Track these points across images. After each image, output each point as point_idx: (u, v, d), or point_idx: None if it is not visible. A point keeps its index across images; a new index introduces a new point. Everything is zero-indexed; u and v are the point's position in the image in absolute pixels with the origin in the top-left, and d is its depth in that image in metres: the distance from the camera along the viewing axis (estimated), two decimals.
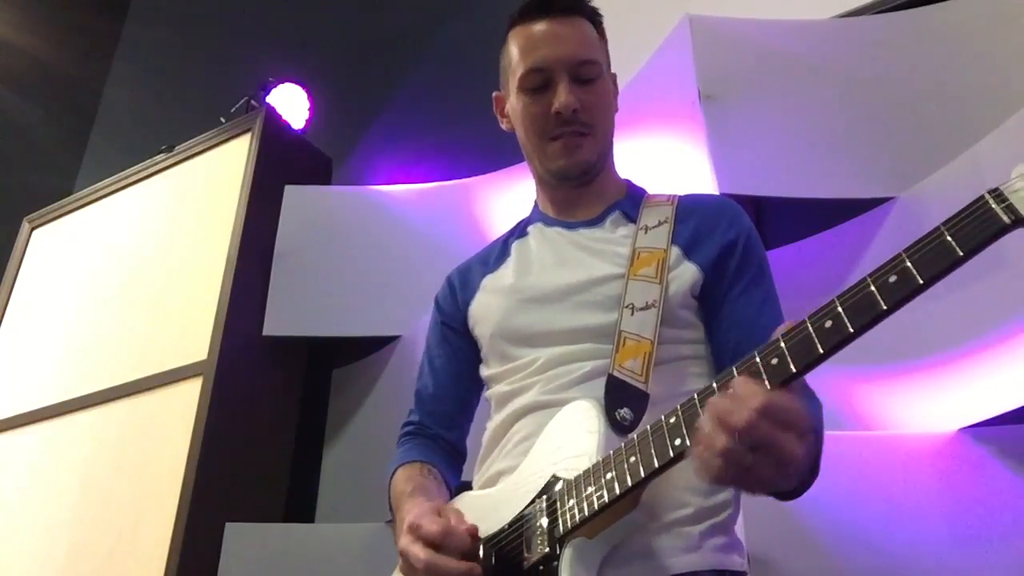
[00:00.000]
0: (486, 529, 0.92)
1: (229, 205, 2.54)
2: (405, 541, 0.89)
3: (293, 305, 2.37)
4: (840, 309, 0.68)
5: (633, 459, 0.81)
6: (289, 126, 2.82)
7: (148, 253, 2.71)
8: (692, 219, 1.07)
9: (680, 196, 1.12)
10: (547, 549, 0.84)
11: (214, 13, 3.93)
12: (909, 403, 1.54)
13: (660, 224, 1.06)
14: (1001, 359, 1.41)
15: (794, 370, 0.70)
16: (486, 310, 1.12)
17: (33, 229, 3.17)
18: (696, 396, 0.78)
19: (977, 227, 0.63)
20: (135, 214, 2.86)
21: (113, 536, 2.19)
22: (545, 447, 0.95)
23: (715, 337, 1.02)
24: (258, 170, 2.56)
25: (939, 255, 0.64)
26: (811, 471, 0.82)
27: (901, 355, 1.29)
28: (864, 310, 0.67)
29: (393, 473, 1.11)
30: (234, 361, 2.28)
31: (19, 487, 2.51)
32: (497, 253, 1.20)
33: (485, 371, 1.14)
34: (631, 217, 1.10)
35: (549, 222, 1.16)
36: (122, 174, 2.98)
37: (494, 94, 1.22)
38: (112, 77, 4.25)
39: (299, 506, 2.33)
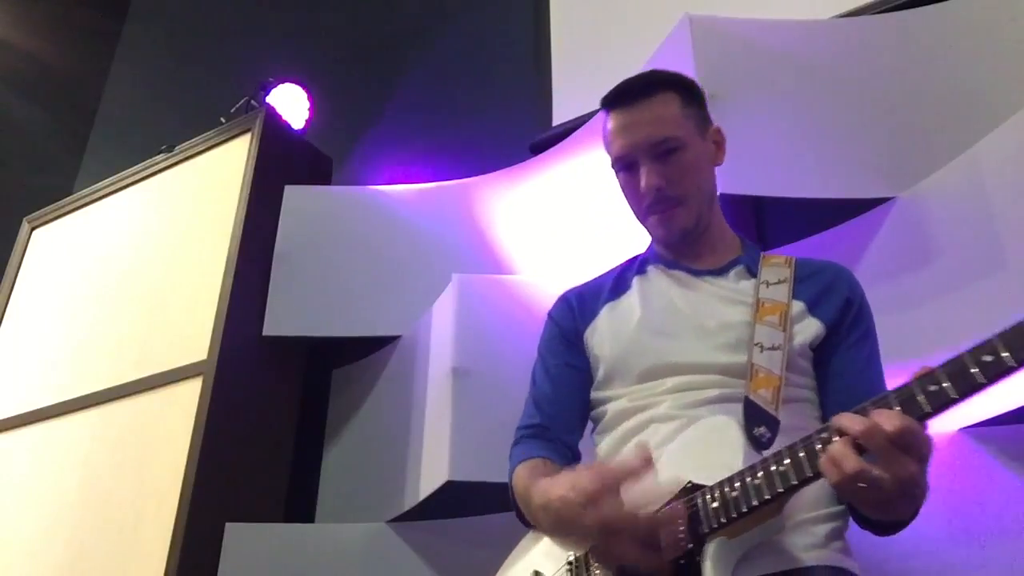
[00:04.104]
0: None
1: (229, 205, 2.53)
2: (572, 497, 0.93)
3: (293, 305, 2.37)
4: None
5: (784, 465, 0.88)
6: (289, 126, 2.81)
7: (148, 253, 2.70)
8: (814, 280, 1.19)
9: (796, 258, 1.23)
10: (690, 545, 0.93)
11: (214, 13, 3.93)
12: None
13: (780, 281, 1.17)
14: None
15: (955, 397, 0.79)
16: (613, 332, 1.21)
17: (33, 229, 3.16)
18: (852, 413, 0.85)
19: None
20: (135, 214, 2.86)
21: (113, 536, 2.19)
22: (679, 457, 1.03)
23: (826, 384, 1.13)
24: (258, 170, 2.56)
25: None
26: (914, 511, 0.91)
27: (901, 355, 1.29)
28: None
29: (514, 470, 1.18)
30: (234, 361, 2.28)
31: (19, 487, 2.50)
32: (612, 285, 1.29)
33: (599, 392, 1.21)
34: (752, 272, 1.21)
35: (671, 265, 1.25)
36: (122, 174, 2.98)
37: None
38: (112, 77, 4.24)
39: (299, 506, 2.33)
